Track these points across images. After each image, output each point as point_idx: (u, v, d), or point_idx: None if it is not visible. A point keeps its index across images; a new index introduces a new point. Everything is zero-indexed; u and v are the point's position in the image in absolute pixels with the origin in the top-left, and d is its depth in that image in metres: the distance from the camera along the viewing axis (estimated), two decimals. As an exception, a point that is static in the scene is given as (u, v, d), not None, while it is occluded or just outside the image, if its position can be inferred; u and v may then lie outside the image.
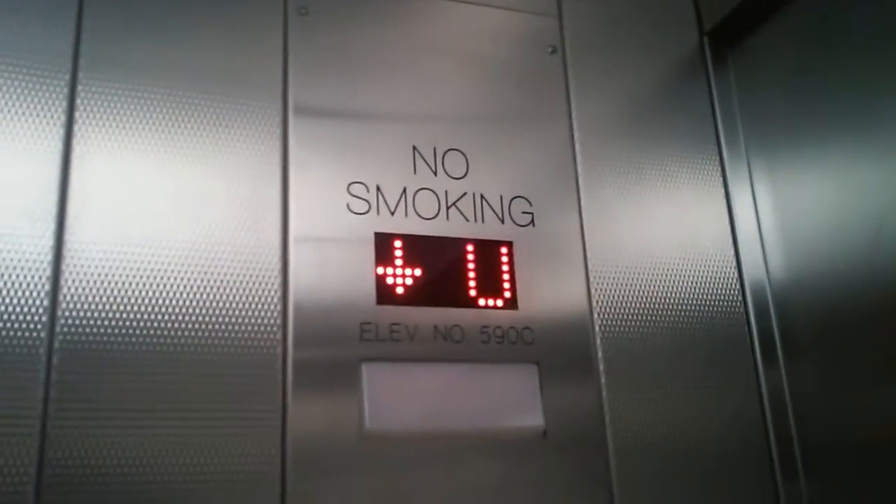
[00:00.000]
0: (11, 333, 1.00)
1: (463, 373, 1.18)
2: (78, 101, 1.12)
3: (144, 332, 1.05)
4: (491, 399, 1.18)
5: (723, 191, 1.46)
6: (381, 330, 1.16)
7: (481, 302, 1.22)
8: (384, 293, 1.18)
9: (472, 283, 1.23)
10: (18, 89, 1.09)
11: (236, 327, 1.10)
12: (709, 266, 1.39)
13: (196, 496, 1.02)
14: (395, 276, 1.19)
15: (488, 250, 1.26)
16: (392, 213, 1.23)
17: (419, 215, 1.24)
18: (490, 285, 1.24)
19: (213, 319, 1.09)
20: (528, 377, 1.21)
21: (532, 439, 1.19)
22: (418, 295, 1.19)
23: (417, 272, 1.20)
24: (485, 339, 1.21)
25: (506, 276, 1.25)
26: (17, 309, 1.01)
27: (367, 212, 1.21)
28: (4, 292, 1.01)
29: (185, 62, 1.19)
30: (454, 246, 1.24)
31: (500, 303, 1.23)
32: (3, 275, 1.01)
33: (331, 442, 1.09)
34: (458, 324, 1.20)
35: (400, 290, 1.19)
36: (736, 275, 1.41)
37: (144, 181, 1.12)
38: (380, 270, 1.19)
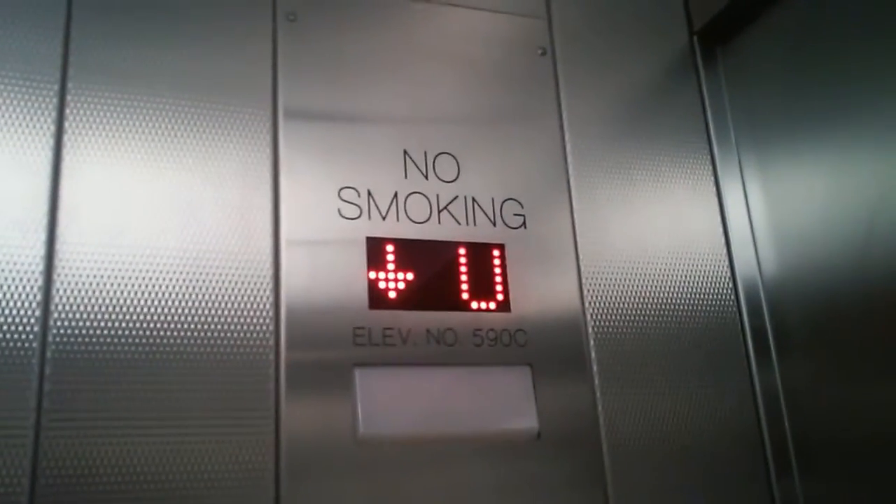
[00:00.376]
0: (3, 344, 0.99)
1: (456, 376, 1.18)
2: (67, 110, 1.12)
3: (137, 340, 1.05)
4: (485, 402, 1.18)
5: (714, 189, 1.46)
6: (374, 334, 1.16)
7: (474, 305, 1.22)
8: (377, 297, 1.18)
9: (464, 287, 1.23)
10: (7, 99, 1.09)
11: (229, 334, 1.10)
12: (701, 264, 1.40)
13: (190, 503, 1.01)
14: (387, 280, 1.19)
15: (480, 253, 1.26)
16: (383, 218, 1.23)
17: (411, 219, 1.24)
18: (483, 288, 1.24)
19: (206, 326, 1.09)
20: (522, 379, 1.21)
21: (526, 441, 1.19)
22: (411, 299, 1.20)
23: (410, 276, 1.20)
24: (478, 341, 1.21)
25: (498, 279, 1.25)
26: (9, 319, 1.01)
27: (359, 217, 1.21)
28: (-4, 303, 1.01)
29: (174, 69, 1.19)
30: (446, 249, 1.24)
31: (492, 305, 1.23)
32: (-6, 286, 1.01)
33: (325, 447, 1.09)
34: (451, 327, 1.20)
35: (392, 295, 1.19)
36: (728, 273, 1.41)
37: (135, 189, 1.12)
38: (372, 275, 1.19)
